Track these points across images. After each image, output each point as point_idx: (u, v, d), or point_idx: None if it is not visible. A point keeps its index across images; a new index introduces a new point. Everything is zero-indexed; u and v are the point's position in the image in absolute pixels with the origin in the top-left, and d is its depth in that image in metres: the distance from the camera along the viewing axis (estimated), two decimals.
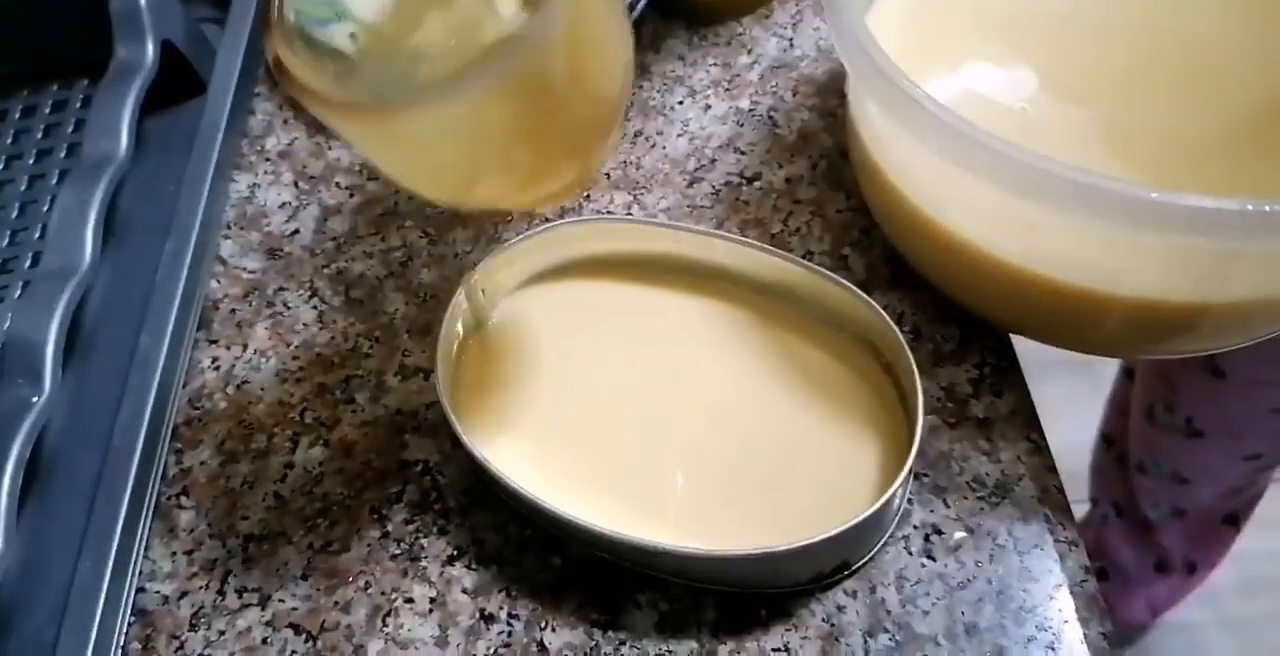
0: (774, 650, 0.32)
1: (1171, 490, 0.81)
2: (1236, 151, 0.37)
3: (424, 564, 0.35)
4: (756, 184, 0.43)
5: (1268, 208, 0.28)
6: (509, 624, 0.33)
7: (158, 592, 0.35)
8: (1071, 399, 0.97)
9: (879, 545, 0.34)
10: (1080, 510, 0.97)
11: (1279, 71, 0.39)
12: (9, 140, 0.45)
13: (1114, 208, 0.29)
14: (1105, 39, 0.40)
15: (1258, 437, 0.71)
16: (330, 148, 0.47)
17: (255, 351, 0.40)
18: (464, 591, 0.34)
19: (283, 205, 0.45)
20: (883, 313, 0.35)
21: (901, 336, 0.34)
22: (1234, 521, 0.86)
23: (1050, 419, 0.38)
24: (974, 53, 0.40)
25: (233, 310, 0.42)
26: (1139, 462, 0.82)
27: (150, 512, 0.36)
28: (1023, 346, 0.39)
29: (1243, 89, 0.38)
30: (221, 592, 0.35)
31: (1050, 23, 0.41)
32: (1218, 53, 0.39)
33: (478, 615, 0.34)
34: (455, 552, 0.35)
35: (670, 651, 0.33)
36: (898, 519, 0.35)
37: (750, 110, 0.46)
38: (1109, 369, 0.88)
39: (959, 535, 0.34)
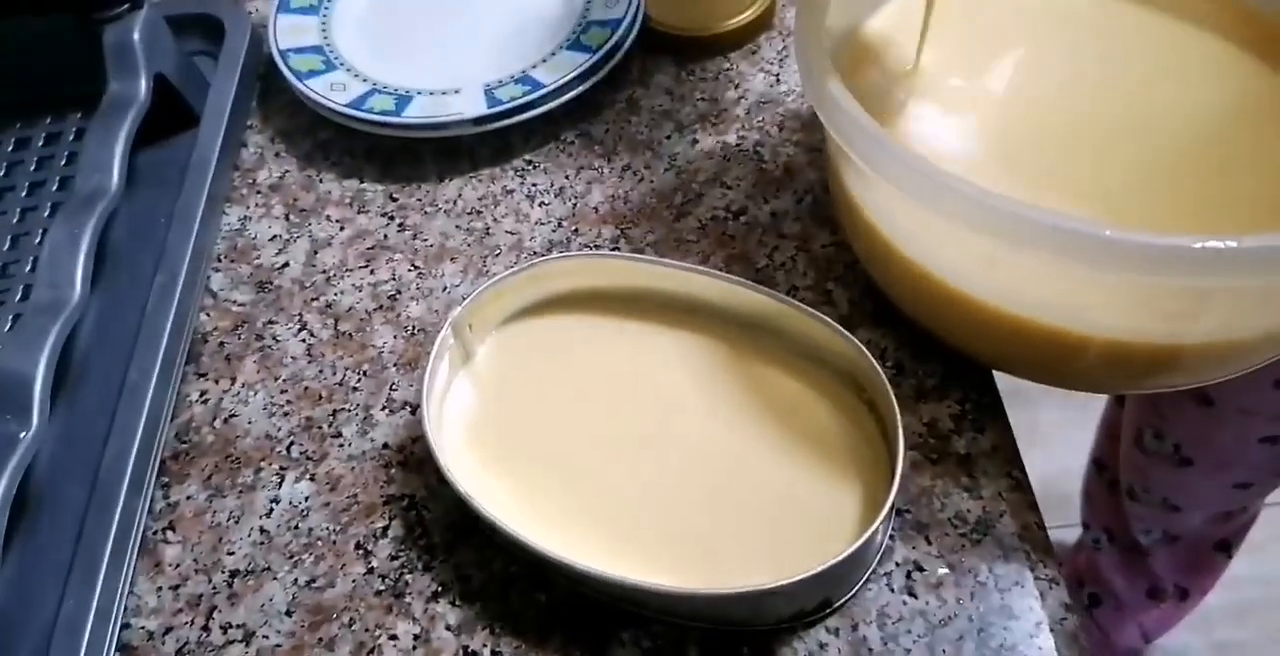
0: None
1: (1162, 516, 0.81)
2: (1176, 190, 0.37)
3: (408, 600, 0.35)
4: (742, 218, 0.44)
5: (1222, 245, 0.28)
6: None
7: (142, 628, 0.35)
8: (1063, 422, 0.98)
9: (861, 582, 0.34)
10: (1071, 534, 0.97)
11: (1203, 111, 0.39)
12: (1, 172, 0.45)
13: (1070, 245, 0.29)
14: (1054, 88, 0.41)
15: (1247, 466, 0.71)
16: (321, 181, 0.47)
17: (243, 385, 0.41)
18: (448, 628, 0.34)
19: (273, 238, 0.45)
20: (864, 349, 0.35)
21: (883, 372, 0.35)
22: (1226, 548, 0.86)
23: (1042, 442, 0.38)
24: (934, 96, 0.41)
25: (221, 343, 0.42)
26: (1129, 489, 0.82)
27: (136, 547, 0.36)
28: (1002, 390, 0.39)
29: (1174, 130, 0.39)
30: (206, 628, 0.35)
31: (1002, 71, 0.41)
32: (1161, 99, 0.40)
33: (461, 652, 0.34)
34: (440, 589, 0.35)
35: None
36: (880, 556, 0.35)
37: (737, 145, 0.46)
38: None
39: (941, 572, 0.35)
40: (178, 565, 0.36)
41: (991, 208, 0.30)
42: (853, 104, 0.32)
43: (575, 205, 0.45)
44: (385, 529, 0.37)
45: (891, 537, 0.35)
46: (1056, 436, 0.91)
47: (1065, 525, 0.95)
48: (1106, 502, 0.88)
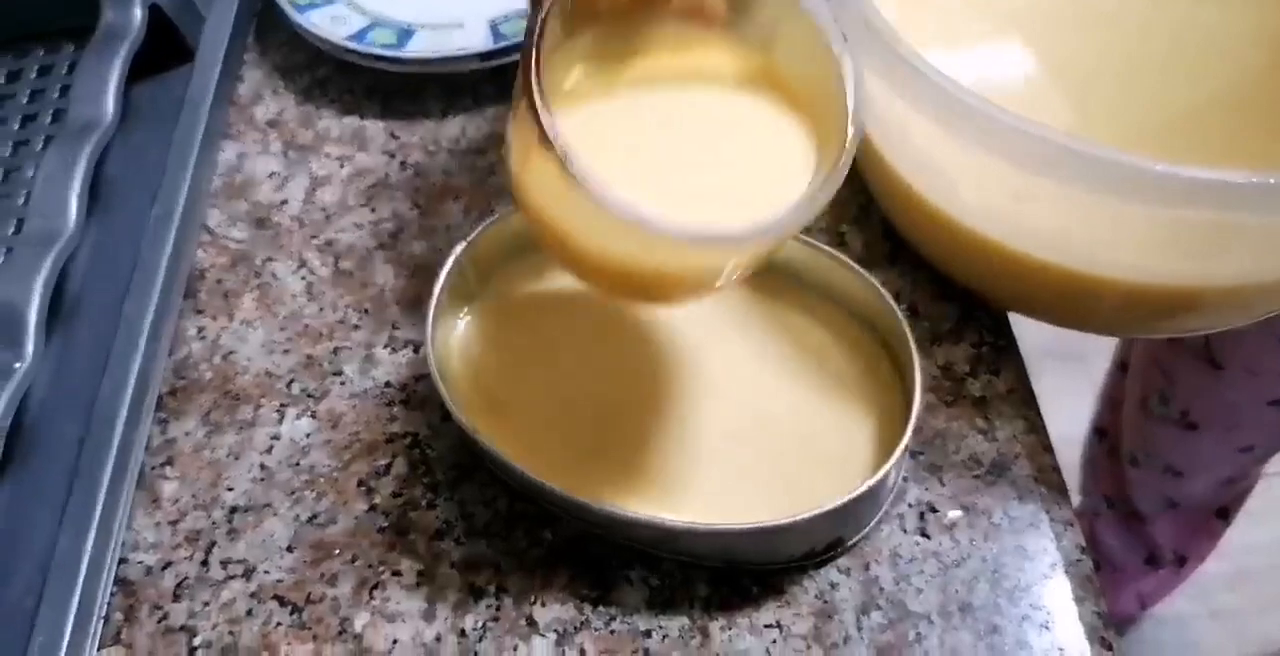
0: (766, 626, 0.32)
1: (1164, 482, 0.81)
2: (1229, 126, 0.37)
3: (412, 537, 0.34)
4: None
5: (1270, 179, 0.27)
6: (497, 598, 0.33)
7: (140, 563, 0.34)
8: (1063, 391, 0.97)
9: (873, 522, 0.34)
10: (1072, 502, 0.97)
11: (1267, 47, 0.38)
12: None
13: (1117, 178, 0.28)
14: (1101, 20, 0.40)
15: (1253, 429, 0.71)
16: (320, 117, 0.46)
17: (242, 322, 0.40)
18: (452, 565, 0.34)
19: (271, 175, 0.44)
20: (882, 290, 0.35)
21: (900, 314, 0.34)
22: (1225, 514, 0.86)
23: (1042, 410, 0.37)
24: (971, 31, 0.39)
25: (219, 280, 0.41)
26: (1132, 455, 0.81)
27: (133, 482, 0.35)
28: (1015, 337, 0.39)
29: (1233, 64, 0.38)
30: (205, 564, 0.34)
31: (1040, 7, 0.40)
32: (1208, 30, 0.39)
33: (466, 589, 0.33)
34: (444, 526, 0.34)
35: (661, 627, 0.32)
36: (893, 496, 0.34)
37: None
38: (1100, 361, 0.88)
39: (954, 513, 0.34)
40: (176, 500, 0.36)
41: (1042, 140, 0.29)
42: (888, 26, 0.31)
43: None
44: (388, 466, 0.36)
45: (905, 479, 0.35)
46: (1055, 404, 0.91)
47: None
48: (1107, 470, 0.88)
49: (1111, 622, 0.33)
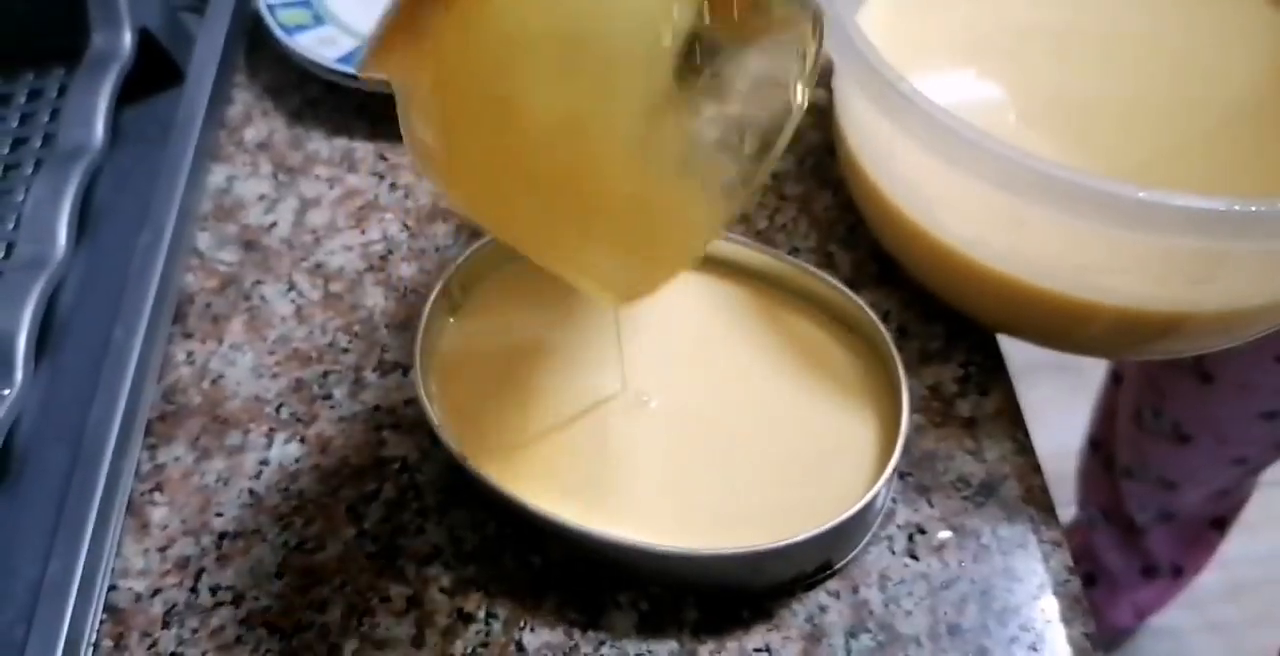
0: (755, 650, 0.32)
1: (1159, 495, 0.81)
2: (1209, 155, 0.37)
3: (401, 562, 0.34)
4: None
5: (1253, 208, 0.28)
6: (487, 623, 0.33)
7: (130, 590, 0.34)
8: (1057, 402, 0.97)
9: (862, 545, 0.34)
10: (1067, 514, 0.97)
11: (1242, 76, 0.39)
12: None
13: (1102, 206, 0.29)
14: (1097, 50, 0.40)
15: (1245, 442, 0.71)
16: (310, 139, 0.46)
17: (231, 346, 0.40)
18: (441, 590, 0.34)
19: (261, 197, 0.44)
20: (869, 311, 0.35)
21: (888, 334, 0.34)
22: (1220, 525, 0.86)
23: (1035, 422, 0.37)
24: (956, 61, 0.40)
25: (208, 303, 0.41)
26: (1126, 467, 0.81)
27: (123, 509, 0.35)
28: (1008, 349, 0.39)
29: (1211, 95, 0.38)
30: (195, 590, 0.34)
31: (1028, 36, 0.41)
32: (1187, 61, 0.39)
33: (455, 615, 0.33)
34: (433, 551, 0.34)
35: (650, 651, 0.32)
36: (881, 518, 0.34)
37: None
38: (1095, 372, 0.88)
39: (943, 535, 0.34)
40: (165, 527, 0.35)
41: (1029, 168, 0.29)
42: (876, 53, 0.31)
43: None
44: (377, 491, 0.36)
45: (894, 500, 0.35)
46: (1049, 415, 0.91)
47: (1059, 504, 0.94)
48: (1102, 482, 0.88)
49: (1105, 638, 0.33)
